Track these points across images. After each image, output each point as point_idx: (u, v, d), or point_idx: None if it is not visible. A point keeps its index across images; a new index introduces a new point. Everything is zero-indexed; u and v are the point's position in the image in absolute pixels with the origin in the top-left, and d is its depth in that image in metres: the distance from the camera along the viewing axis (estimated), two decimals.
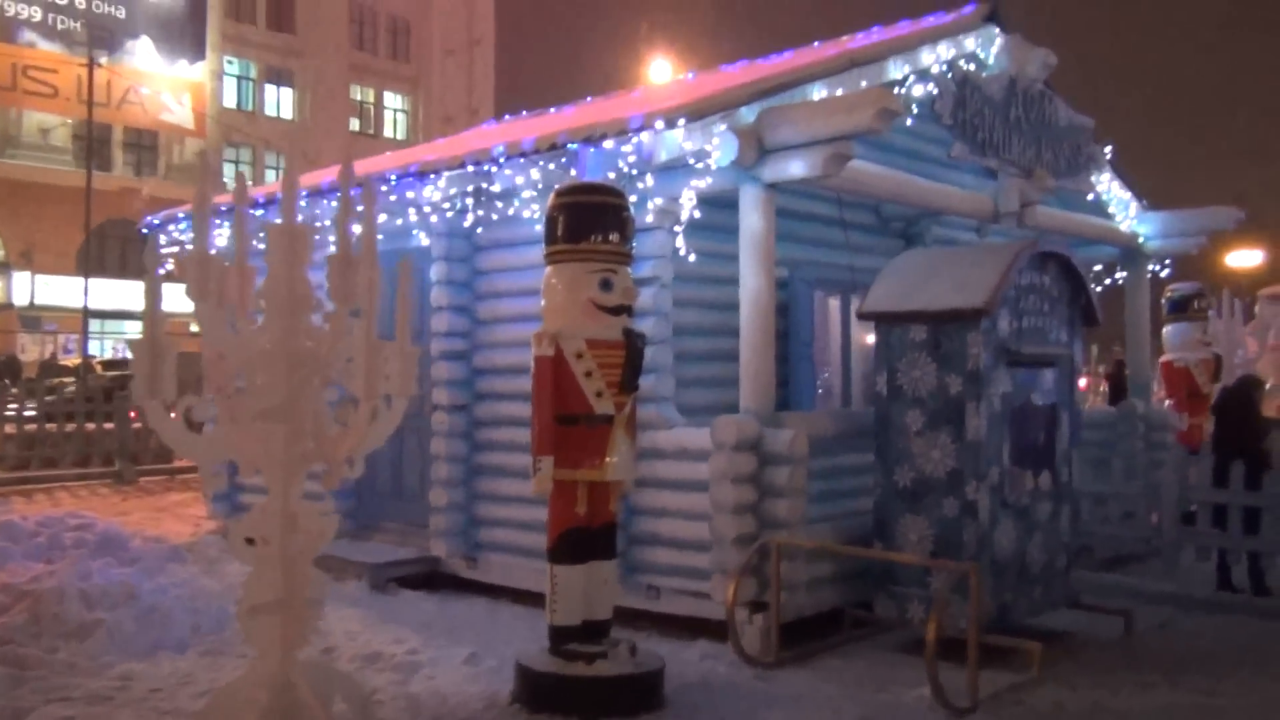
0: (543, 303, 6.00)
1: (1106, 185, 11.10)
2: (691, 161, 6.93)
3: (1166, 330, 12.68)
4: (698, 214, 7.31)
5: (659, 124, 6.67)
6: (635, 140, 6.76)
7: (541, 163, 7.23)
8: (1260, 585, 8.40)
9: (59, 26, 40.08)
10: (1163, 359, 12.68)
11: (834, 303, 9.06)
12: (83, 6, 40.39)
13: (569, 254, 5.89)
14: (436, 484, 8.58)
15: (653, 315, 7.62)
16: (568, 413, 5.82)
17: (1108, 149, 10.93)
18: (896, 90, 8.53)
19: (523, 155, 7.24)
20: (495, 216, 7.99)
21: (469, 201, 8.01)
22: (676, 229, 7.51)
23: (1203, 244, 11.38)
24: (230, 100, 44.86)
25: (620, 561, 7.54)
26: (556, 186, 6.14)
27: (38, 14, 39.60)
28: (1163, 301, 12.72)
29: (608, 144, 6.86)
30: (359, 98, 49.21)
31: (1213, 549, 8.72)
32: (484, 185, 7.74)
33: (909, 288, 7.18)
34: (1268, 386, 15.41)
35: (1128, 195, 11.39)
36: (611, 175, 6.94)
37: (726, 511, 6.89)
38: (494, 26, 53.24)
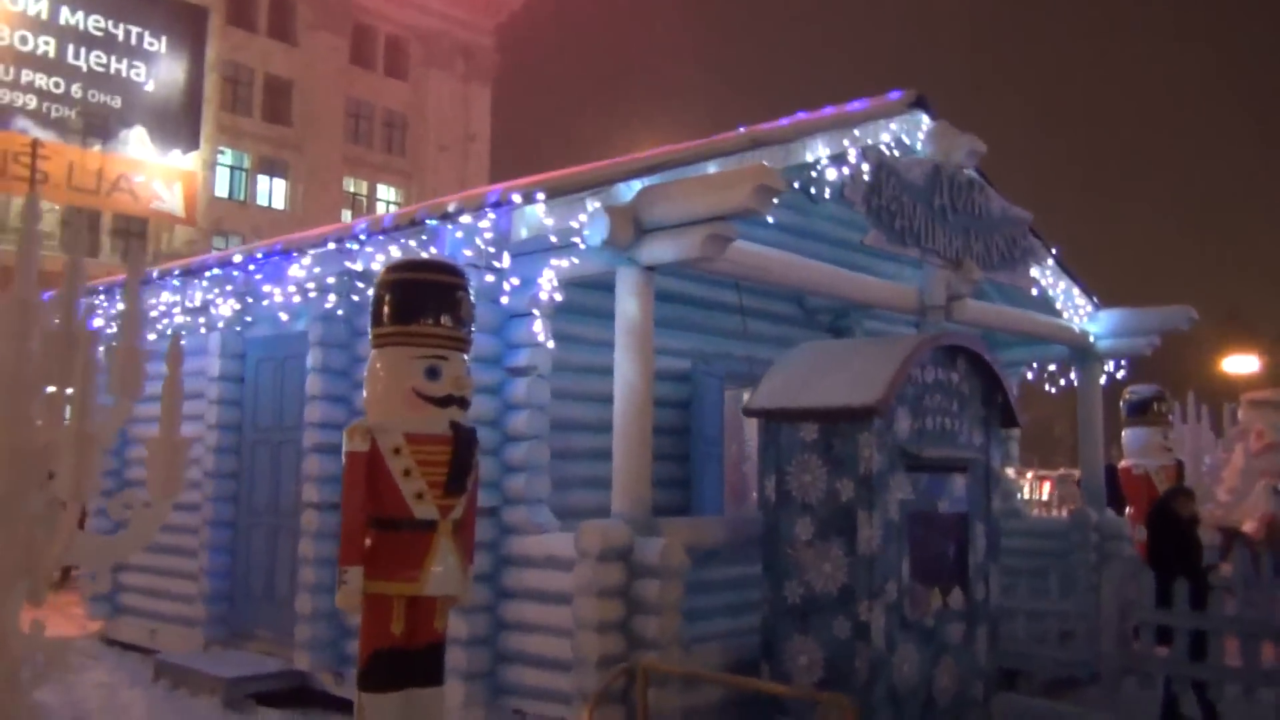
0: (364, 393, 5.37)
1: (1051, 281, 10.53)
2: (554, 240, 6.37)
3: (1125, 435, 11.98)
4: (559, 296, 6.79)
5: (516, 198, 6.13)
6: (490, 217, 6.21)
7: (402, 240, 6.68)
8: (1211, 716, 7.57)
9: (53, 114, 40.33)
10: (1121, 465, 11.96)
11: (747, 397, 8.42)
12: (78, 95, 40.70)
13: (394, 337, 5.27)
14: (304, 590, 7.84)
15: (526, 408, 6.99)
16: (383, 516, 5.15)
17: (1053, 248, 10.40)
18: (812, 173, 8.05)
19: (383, 232, 6.70)
20: (357, 299, 7.41)
21: (334, 281, 7.44)
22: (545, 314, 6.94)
23: (1155, 344, 10.75)
24: (222, 190, 44.96)
25: (486, 683, 6.82)
26: (386, 263, 5.57)
27: (32, 102, 39.89)
28: (1121, 405, 12.05)
29: (465, 219, 6.30)
30: (352, 189, 49.35)
31: (1158, 675, 7.90)
32: (349, 265, 7.18)
33: (800, 383, 6.54)
34: (1222, 499, 14.66)
35: (1077, 292, 10.81)
36: (468, 254, 6.37)
37: (590, 629, 6.15)
38: (489, 123, 53.68)
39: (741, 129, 7.63)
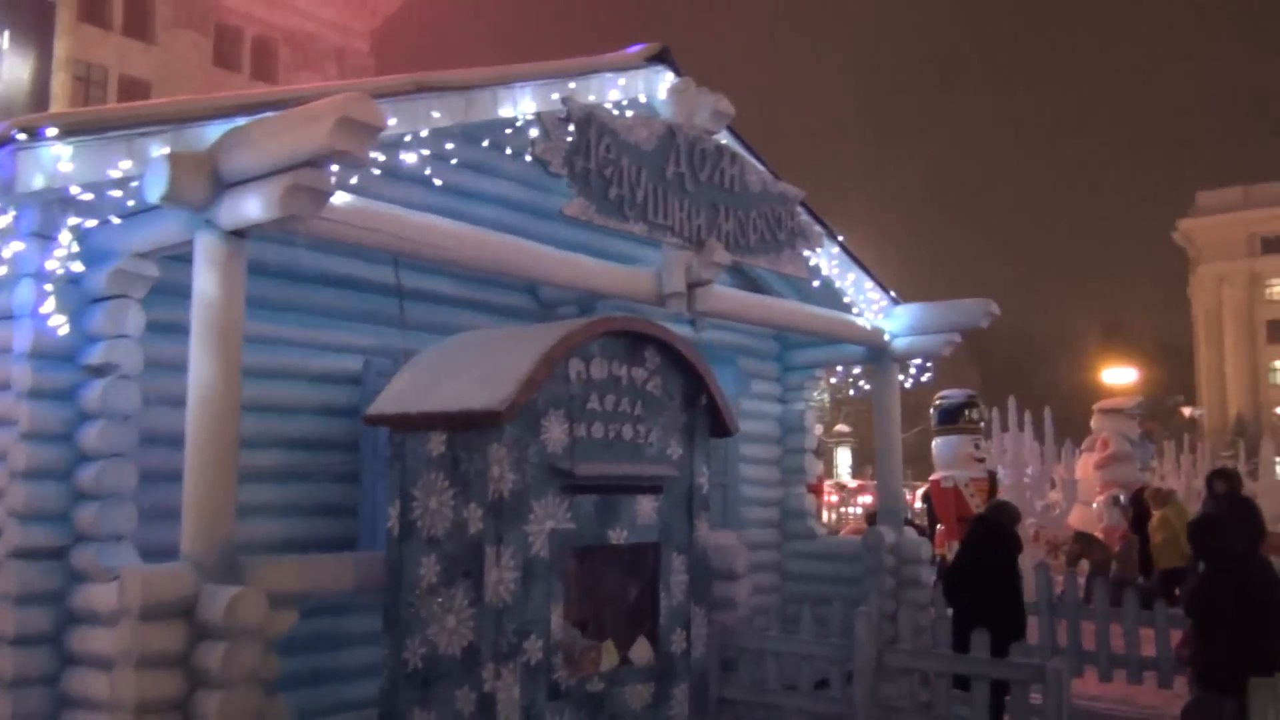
0: None
1: (838, 272, 9.32)
2: (76, 193, 4.84)
3: (935, 444, 10.86)
4: (154, 272, 5.26)
5: (20, 135, 4.58)
6: None
7: None
8: None
9: None
10: (931, 478, 10.83)
11: None
12: None
13: None
14: None
15: (103, 418, 5.42)
16: None
17: (837, 234, 9.20)
18: (506, 131, 6.67)
19: None
20: None
21: None
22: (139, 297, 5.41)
23: (955, 342, 9.63)
24: None
25: None
26: None
27: None
28: (930, 411, 10.92)
29: None
30: None
31: None
32: None
33: (430, 382, 5.12)
34: (1056, 512, 13.75)
35: (870, 285, 9.63)
36: None
37: (126, 711, 4.61)
38: None
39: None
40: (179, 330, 5.67)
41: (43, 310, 5.40)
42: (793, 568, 10.19)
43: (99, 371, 5.47)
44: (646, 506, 5.37)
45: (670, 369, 5.53)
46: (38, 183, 4.69)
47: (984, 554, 7.81)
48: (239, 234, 5.01)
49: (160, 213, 5.18)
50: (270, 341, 6.03)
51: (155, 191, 4.82)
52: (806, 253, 8.52)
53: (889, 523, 9.67)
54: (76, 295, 5.53)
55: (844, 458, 54.81)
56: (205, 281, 4.99)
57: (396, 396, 5.14)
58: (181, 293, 5.65)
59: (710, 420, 5.73)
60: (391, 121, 5.68)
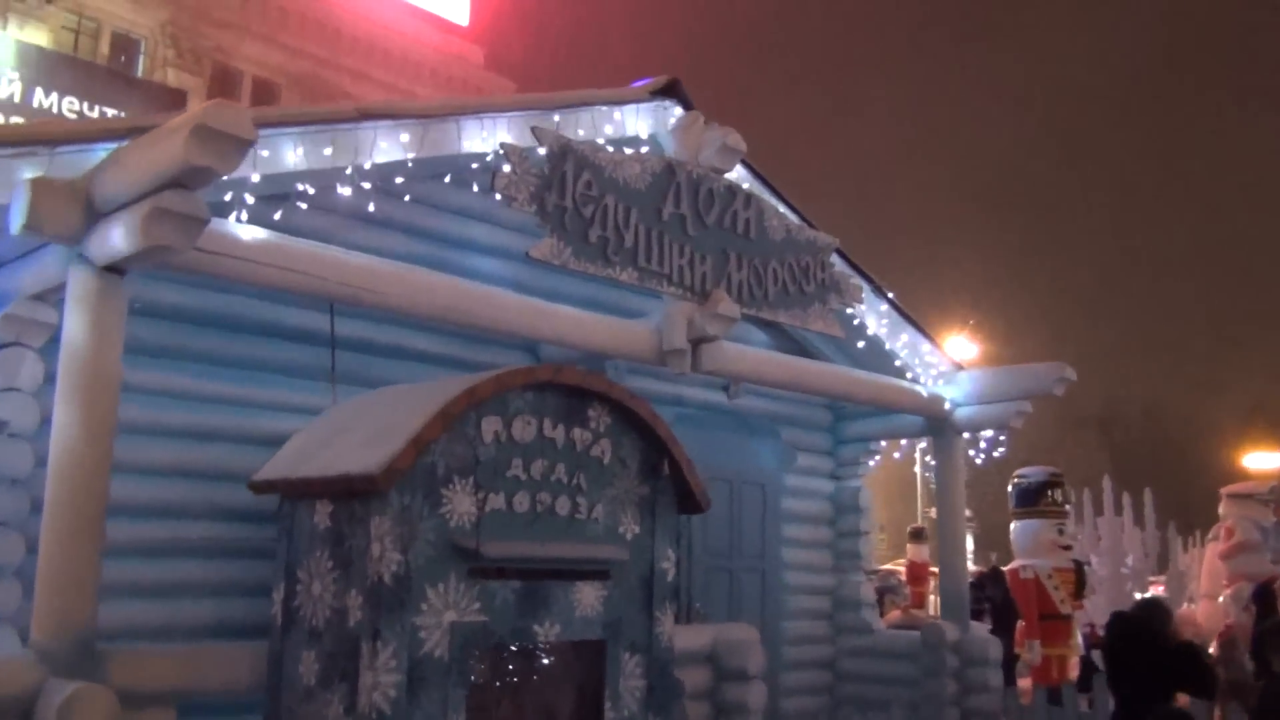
0: None
1: (888, 332, 8.32)
2: None
3: (1014, 529, 9.62)
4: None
5: None
6: None
7: None
8: None
9: None
10: (1009, 566, 9.58)
11: None
12: None
13: None
14: None
15: None
16: None
17: (886, 290, 8.25)
18: (472, 166, 5.98)
19: None
20: None
21: None
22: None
23: (1026, 411, 8.46)
24: None
25: None
26: None
27: None
28: (1009, 491, 9.71)
29: None
30: None
31: None
32: None
33: (320, 442, 4.36)
34: (1188, 604, 12.17)
35: (927, 349, 8.59)
36: None
37: None
38: None
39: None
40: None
41: None
42: (848, 666, 9.04)
43: None
44: (588, 596, 4.46)
45: (623, 431, 4.65)
46: None
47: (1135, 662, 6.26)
48: (115, 270, 4.37)
49: (45, 249, 4.61)
50: (191, 398, 5.37)
51: (16, 221, 4.23)
52: (849, 309, 7.57)
53: (953, 616, 8.48)
54: None
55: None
56: (73, 323, 4.35)
57: (287, 458, 4.39)
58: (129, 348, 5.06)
59: (675, 493, 4.81)
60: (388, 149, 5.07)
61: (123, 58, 33.25)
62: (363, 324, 5.92)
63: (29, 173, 4.33)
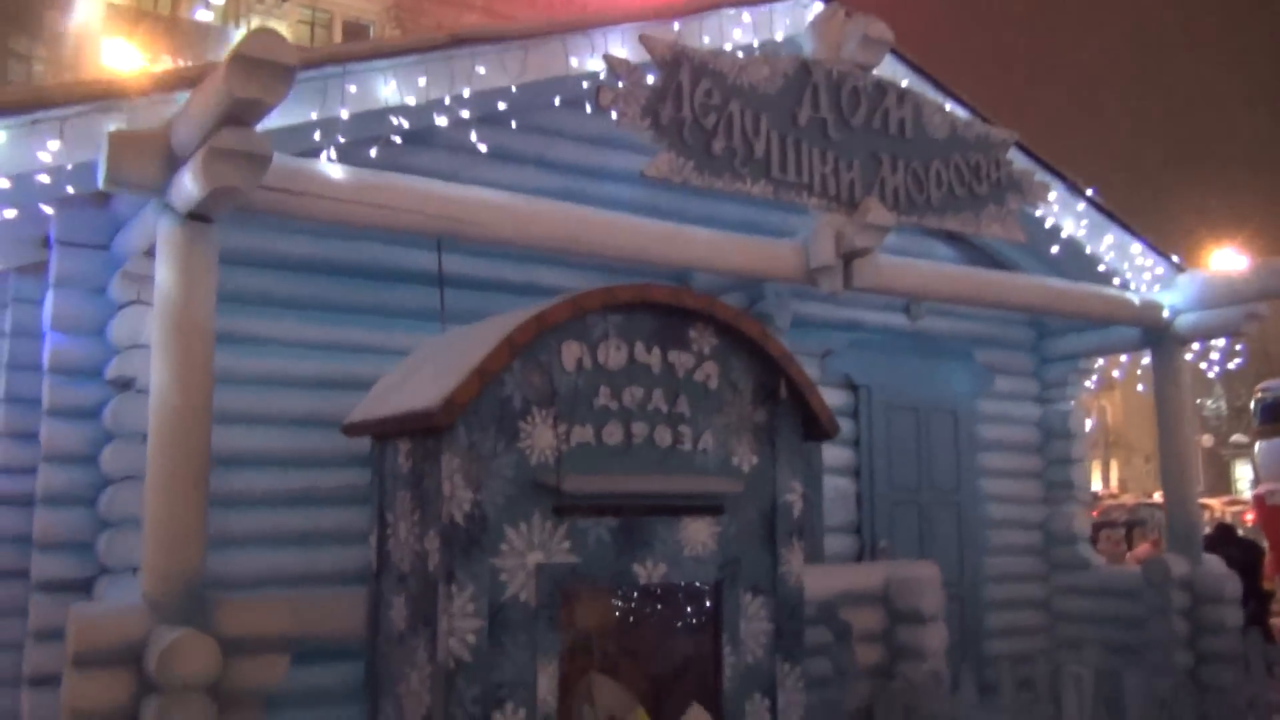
0: None
1: (1086, 233, 7.41)
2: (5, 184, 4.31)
3: (1258, 450, 8.47)
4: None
5: None
6: None
7: None
8: None
9: None
10: (1254, 491, 8.45)
11: None
12: None
13: None
14: None
15: (118, 437, 4.92)
16: None
17: (1085, 186, 7.34)
18: (592, 83, 5.64)
19: None
20: None
21: None
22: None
23: (1260, 316, 7.31)
24: None
25: None
26: None
27: None
28: (1251, 407, 8.55)
29: None
30: None
31: None
32: None
33: (399, 380, 4.16)
34: None
35: (1138, 250, 7.60)
36: None
37: None
38: None
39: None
40: (221, 339, 5.10)
41: (53, 321, 5.04)
42: (1064, 605, 8.25)
43: (121, 385, 5.00)
44: (698, 533, 4.08)
45: (731, 353, 4.21)
46: None
47: None
48: (199, 218, 4.31)
49: (147, 205, 4.62)
50: (293, 345, 5.35)
51: (100, 175, 4.23)
52: (1035, 211, 6.76)
53: (1182, 550, 7.53)
54: (100, 303, 5.12)
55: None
56: (163, 273, 4.32)
57: (373, 399, 4.23)
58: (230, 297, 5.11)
59: (799, 419, 4.33)
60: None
61: None
62: (475, 260, 5.73)
63: (112, 127, 4.33)
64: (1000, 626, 7.90)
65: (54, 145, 4.21)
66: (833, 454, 7.16)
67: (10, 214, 4.61)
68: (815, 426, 4.34)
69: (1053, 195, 6.92)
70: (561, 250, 5.31)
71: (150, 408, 4.32)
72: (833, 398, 7.28)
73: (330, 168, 4.59)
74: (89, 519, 5.00)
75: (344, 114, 4.73)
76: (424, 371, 3.93)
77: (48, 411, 5.01)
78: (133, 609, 4.13)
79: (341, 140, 4.80)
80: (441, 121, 5.11)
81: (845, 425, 7.40)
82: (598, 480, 3.81)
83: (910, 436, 7.63)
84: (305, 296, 5.43)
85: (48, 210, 4.88)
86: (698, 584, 4.16)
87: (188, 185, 4.12)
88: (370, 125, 4.96)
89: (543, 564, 3.74)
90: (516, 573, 3.69)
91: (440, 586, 3.61)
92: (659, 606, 4.17)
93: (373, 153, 5.02)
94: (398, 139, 5.07)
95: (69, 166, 4.27)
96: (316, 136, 4.75)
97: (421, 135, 5.23)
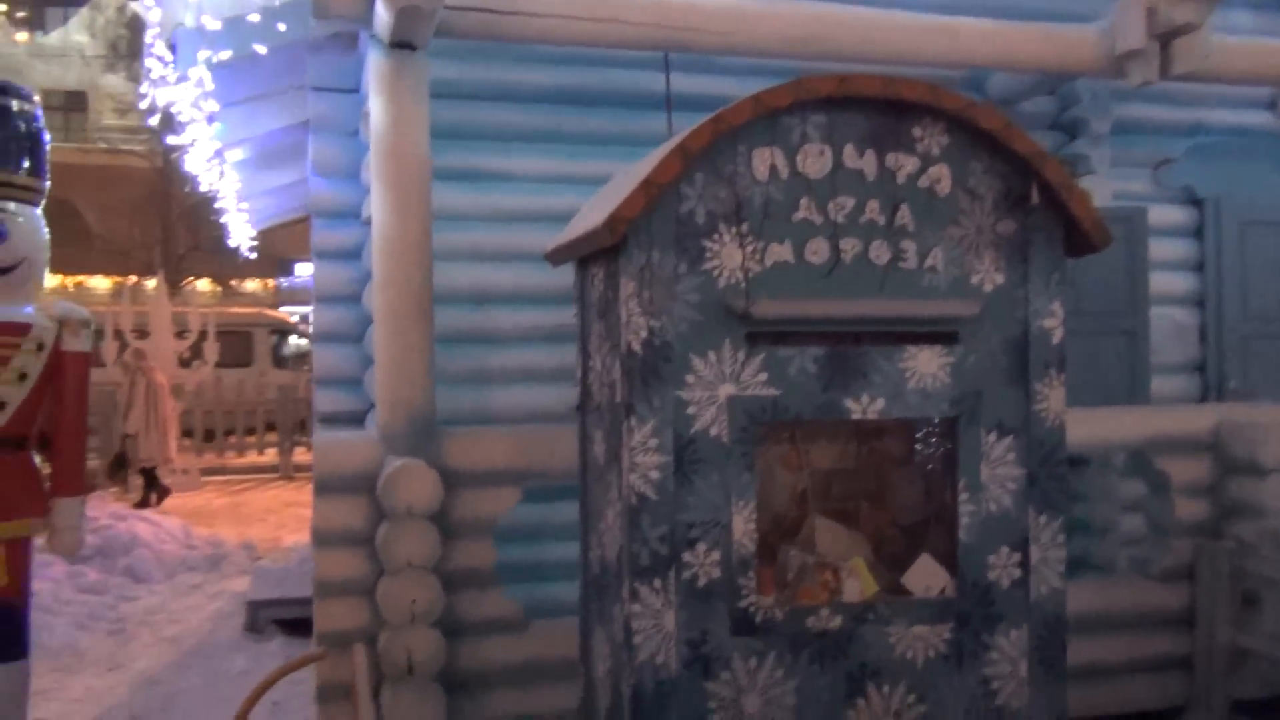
0: None
1: None
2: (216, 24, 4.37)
3: None
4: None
5: None
6: None
7: None
8: None
9: None
10: None
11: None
12: None
13: None
14: None
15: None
16: None
17: None
18: None
19: None
20: None
21: None
22: None
23: None
24: None
25: None
26: None
27: None
28: None
29: None
30: None
31: None
32: None
33: (596, 201, 3.90)
34: None
35: None
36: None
37: (318, 597, 4.23)
38: None
39: None
40: (471, 177, 5.12)
41: (313, 165, 5.21)
42: None
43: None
44: (927, 364, 3.54)
45: (968, 153, 3.55)
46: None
47: None
48: (405, 46, 4.21)
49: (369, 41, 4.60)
50: (514, 179, 5.21)
51: (310, 5, 4.22)
52: None
53: None
54: (354, 146, 5.25)
55: None
56: (375, 105, 4.29)
57: (572, 225, 4.00)
58: (470, 135, 5.09)
59: (1060, 229, 3.62)
60: None
61: None
62: (712, 79, 5.28)
63: None
64: None
65: None
66: (1165, 280, 6.16)
67: (260, 50, 4.70)
68: (1080, 238, 3.61)
69: None
70: (802, 54, 4.75)
71: (373, 243, 4.36)
72: (1170, 215, 6.26)
73: None
74: (358, 355, 5.24)
75: None
76: (614, 189, 3.64)
77: (315, 253, 5.26)
78: (367, 440, 4.28)
79: None
80: None
81: (1186, 246, 6.36)
82: (794, 304, 3.38)
83: (1272, 259, 6.41)
84: (544, 129, 5.28)
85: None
86: (926, 421, 3.64)
87: (380, 10, 4.01)
88: None
89: (735, 396, 3.39)
90: (706, 406, 3.38)
91: (622, 421, 3.38)
92: (878, 445, 3.71)
93: None
94: None
95: (277, 3, 4.28)
96: None
97: None
